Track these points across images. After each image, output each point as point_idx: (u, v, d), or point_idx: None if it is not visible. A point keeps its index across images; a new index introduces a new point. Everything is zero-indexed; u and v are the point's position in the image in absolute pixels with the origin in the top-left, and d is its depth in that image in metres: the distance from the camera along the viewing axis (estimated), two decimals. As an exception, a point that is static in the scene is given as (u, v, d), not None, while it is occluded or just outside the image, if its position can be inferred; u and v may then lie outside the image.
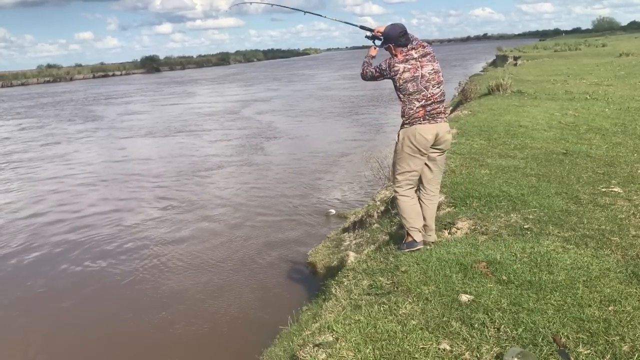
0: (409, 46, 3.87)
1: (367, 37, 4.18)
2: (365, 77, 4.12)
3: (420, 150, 3.86)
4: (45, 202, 11.50)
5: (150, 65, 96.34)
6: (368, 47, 4.18)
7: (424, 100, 3.83)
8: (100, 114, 29.82)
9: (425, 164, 3.96)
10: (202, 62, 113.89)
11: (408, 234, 4.03)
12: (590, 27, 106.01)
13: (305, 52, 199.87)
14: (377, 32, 4.04)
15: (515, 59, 32.68)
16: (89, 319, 6.32)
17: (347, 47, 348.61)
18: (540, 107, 10.74)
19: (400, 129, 3.95)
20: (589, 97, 11.79)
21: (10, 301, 6.94)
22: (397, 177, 3.97)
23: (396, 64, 3.84)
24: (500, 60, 36.50)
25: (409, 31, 3.88)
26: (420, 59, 3.86)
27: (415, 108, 3.84)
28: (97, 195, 11.95)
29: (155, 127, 22.39)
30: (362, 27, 4.27)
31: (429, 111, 3.84)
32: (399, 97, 3.93)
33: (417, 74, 3.82)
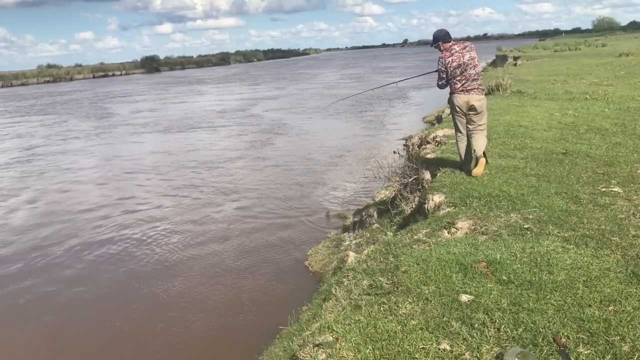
0: (451, 42, 5.66)
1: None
2: (440, 87, 5.87)
3: (457, 111, 5.71)
4: (57, 193, 12.03)
5: (150, 65, 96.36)
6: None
7: (464, 80, 5.60)
8: (114, 111, 30.64)
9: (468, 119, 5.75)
10: (202, 62, 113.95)
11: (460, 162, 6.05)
12: (590, 27, 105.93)
13: (305, 52, 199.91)
14: None
15: (515, 59, 32.67)
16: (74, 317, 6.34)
17: (347, 47, 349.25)
18: (540, 107, 10.74)
19: (450, 96, 5.75)
20: (588, 97, 11.78)
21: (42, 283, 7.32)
22: (455, 128, 5.93)
23: (446, 59, 5.62)
24: (500, 60, 36.50)
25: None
26: (461, 51, 5.61)
27: (457, 84, 5.63)
28: (110, 187, 12.64)
29: (170, 124, 23.11)
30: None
31: (465, 86, 5.61)
32: (448, 78, 5.67)
33: (461, 62, 5.58)
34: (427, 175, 6.37)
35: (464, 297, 3.11)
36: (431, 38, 5.92)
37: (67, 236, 9.22)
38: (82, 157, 16.73)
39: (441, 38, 5.65)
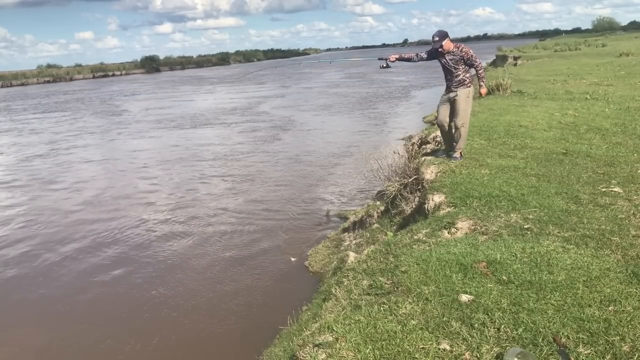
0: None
1: (384, 65, 6.72)
2: (421, 60, 6.42)
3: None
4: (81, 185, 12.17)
5: (150, 65, 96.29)
6: (385, 67, 6.82)
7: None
8: (127, 109, 31.43)
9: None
10: (202, 62, 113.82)
11: (461, 150, 6.49)
12: (590, 27, 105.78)
13: (305, 52, 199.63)
14: (390, 59, 6.57)
15: (515, 58, 32.66)
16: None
17: (347, 47, 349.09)
18: (540, 107, 10.74)
19: (466, 88, 6.22)
20: (589, 97, 11.78)
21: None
22: (469, 117, 6.44)
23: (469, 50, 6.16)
24: (500, 60, 36.45)
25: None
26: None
27: (469, 74, 6.24)
28: (132, 178, 13.41)
29: (183, 120, 23.85)
30: (380, 59, 6.75)
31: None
32: (465, 69, 6.16)
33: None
34: (427, 175, 6.37)
35: (464, 297, 3.11)
36: (431, 38, 6.19)
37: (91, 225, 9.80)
38: (105, 151, 17.68)
39: (448, 34, 6.15)
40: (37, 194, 12.23)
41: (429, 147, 8.56)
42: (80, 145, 18.81)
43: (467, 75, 6.20)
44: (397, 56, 6.49)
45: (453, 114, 6.33)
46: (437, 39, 6.08)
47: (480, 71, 6.27)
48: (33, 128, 24.85)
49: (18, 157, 17.07)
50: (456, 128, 6.35)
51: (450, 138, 6.61)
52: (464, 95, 6.21)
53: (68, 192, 12.28)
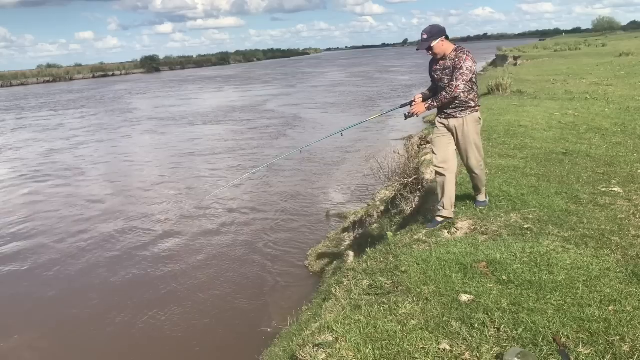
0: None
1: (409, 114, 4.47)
2: (456, 92, 4.14)
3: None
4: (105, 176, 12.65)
5: (150, 65, 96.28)
6: (406, 105, 4.57)
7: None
8: (137, 107, 32.33)
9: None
10: (202, 61, 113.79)
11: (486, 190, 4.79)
12: (590, 27, 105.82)
13: (305, 52, 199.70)
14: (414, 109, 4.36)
15: (515, 58, 32.68)
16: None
17: (347, 47, 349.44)
18: (540, 107, 10.73)
19: (473, 113, 4.26)
20: (588, 97, 11.78)
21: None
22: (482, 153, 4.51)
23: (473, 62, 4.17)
24: (500, 60, 36.48)
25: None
26: None
27: (477, 95, 4.30)
28: (149, 168, 14.27)
29: (194, 117, 24.68)
30: (402, 106, 4.65)
31: None
32: (470, 85, 4.17)
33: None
34: (427, 175, 6.37)
35: (464, 297, 3.11)
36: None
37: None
38: (124, 145, 18.61)
39: (444, 32, 4.17)
40: (68, 183, 13.01)
41: (429, 147, 8.56)
42: (99, 140, 19.77)
43: (473, 94, 4.23)
44: (426, 106, 4.33)
45: (460, 152, 4.43)
46: (425, 36, 4.13)
47: (446, 94, 4.16)
48: (54, 124, 25.75)
49: (43, 152, 17.85)
50: (471, 172, 4.52)
51: (453, 188, 4.44)
52: (472, 122, 4.27)
53: (96, 183, 13.07)
